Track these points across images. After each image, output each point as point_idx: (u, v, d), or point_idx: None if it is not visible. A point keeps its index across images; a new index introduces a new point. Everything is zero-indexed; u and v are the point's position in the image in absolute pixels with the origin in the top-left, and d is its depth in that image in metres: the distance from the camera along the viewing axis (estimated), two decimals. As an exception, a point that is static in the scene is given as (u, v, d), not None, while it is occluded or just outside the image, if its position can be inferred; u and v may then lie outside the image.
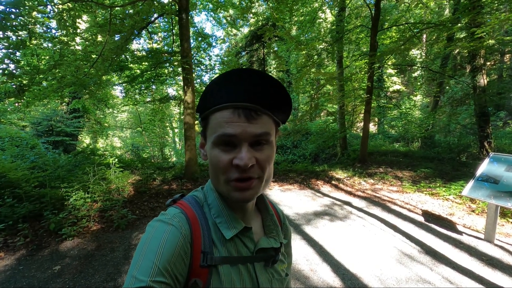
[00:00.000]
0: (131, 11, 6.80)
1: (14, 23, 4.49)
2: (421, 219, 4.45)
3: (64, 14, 5.53)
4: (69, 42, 6.20)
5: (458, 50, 11.27)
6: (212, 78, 0.61)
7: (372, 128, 16.48)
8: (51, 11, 5.46)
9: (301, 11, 10.92)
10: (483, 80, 8.12)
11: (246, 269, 0.60)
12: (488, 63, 12.82)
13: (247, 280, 0.59)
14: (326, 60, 12.75)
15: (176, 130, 23.14)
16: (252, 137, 0.54)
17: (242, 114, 0.54)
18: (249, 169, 0.54)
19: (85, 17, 7.43)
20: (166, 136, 20.96)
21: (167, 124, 20.46)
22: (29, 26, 4.96)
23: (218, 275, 0.55)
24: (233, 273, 0.57)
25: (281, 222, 0.79)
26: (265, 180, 0.59)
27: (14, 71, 5.21)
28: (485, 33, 6.32)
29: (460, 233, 3.87)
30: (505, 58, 14.14)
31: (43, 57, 6.96)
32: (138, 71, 8.87)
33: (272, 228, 0.71)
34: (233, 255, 0.59)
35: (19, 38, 4.93)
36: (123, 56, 7.73)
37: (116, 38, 6.99)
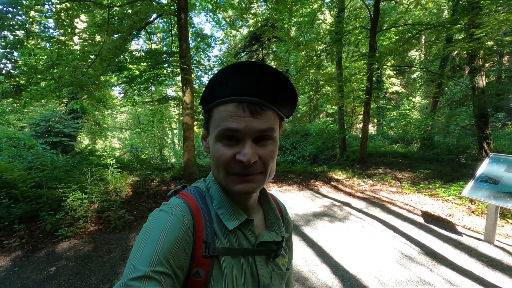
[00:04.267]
0: (129, 11, 6.79)
1: (11, 23, 4.47)
2: (420, 220, 4.42)
3: (62, 14, 5.50)
4: (67, 42, 6.17)
5: (457, 51, 11.28)
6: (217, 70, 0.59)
7: (371, 129, 16.48)
8: (49, 11, 5.44)
9: (300, 12, 10.91)
10: (482, 82, 8.13)
11: (247, 262, 0.60)
12: (487, 65, 12.84)
13: (247, 273, 0.59)
14: (325, 61, 12.76)
15: (175, 131, 23.08)
16: (256, 133, 0.54)
17: (246, 109, 0.53)
18: (251, 165, 0.54)
19: (83, 17, 7.41)
20: (165, 137, 20.91)
21: (166, 125, 20.42)
22: (27, 26, 4.93)
23: (220, 266, 0.55)
24: (234, 264, 0.57)
25: (283, 216, 0.79)
26: (268, 175, 0.59)
27: (11, 71, 5.18)
28: (484, 34, 6.32)
29: (460, 234, 3.85)
30: (503, 59, 14.18)
31: (40, 57, 6.92)
32: (136, 71, 8.85)
33: (273, 221, 0.71)
34: (234, 247, 0.59)
35: (16, 37, 4.90)
36: (121, 56, 7.71)
37: (115, 38, 6.97)
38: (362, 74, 9.93)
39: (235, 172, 0.55)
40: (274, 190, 6.74)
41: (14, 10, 4.31)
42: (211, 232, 0.57)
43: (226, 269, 0.55)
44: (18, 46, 4.72)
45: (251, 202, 0.67)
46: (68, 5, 5.48)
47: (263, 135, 0.55)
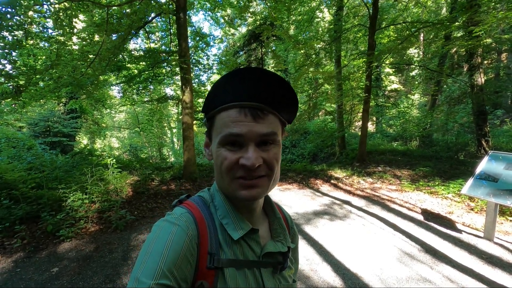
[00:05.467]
0: (128, 10, 6.76)
1: (10, 23, 4.44)
2: (420, 217, 4.45)
3: (61, 14, 5.48)
4: (66, 42, 6.14)
5: (455, 49, 11.31)
6: (217, 79, 0.59)
7: (370, 127, 16.50)
8: (48, 11, 5.41)
9: (299, 10, 10.90)
10: (480, 79, 8.16)
11: (252, 274, 0.58)
12: (486, 62, 12.88)
13: (253, 285, 0.58)
14: (324, 59, 12.73)
15: (174, 130, 23.05)
16: (258, 137, 0.54)
17: (248, 114, 0.53)
18: (256, 169, 0.53)
19: (81, 17, 7.37)
20: (164, 136, 20.88)
21: (165, 124, 20.39)
22: (25, 26, 4.91)
23: (224, 278, 0.54)
24: (239, 277, 0.56)
25: (289, 227, 0.78)
26: (274, 180, 0.58)
27: (10, 72, 5.16)
28: (482, 32, 6.33)
29: (460, 231, 3.88)
30: (502, 56, 14.21)
31: (39, 57, 6.89)
32: (135, 71, 8.82)
33: (279, 232, 0.70)
34: (239, 258, 0.58)
35: (15, 38, 4.88)
36: (120, 56, 7.68)
37: (113, 38, 6.94)
38: (361, 72, 9.93)
39: (239, 176, 0.55)
40: (274, 189, 6.73)
41: (13, 10, 4.28)
42: (216, 243, 0.56)
43: (230, 281, 0.54)
44: (17, 46, 4.70)
45: (256, 211, 0.66)
46: (67, 4, 5.45)
47: (266, 139, 0.55)
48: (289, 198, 5.90)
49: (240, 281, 0.55)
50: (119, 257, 3.35)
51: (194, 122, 8.47)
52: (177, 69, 7.91)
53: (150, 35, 10.36)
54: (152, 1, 6.61)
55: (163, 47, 10.88)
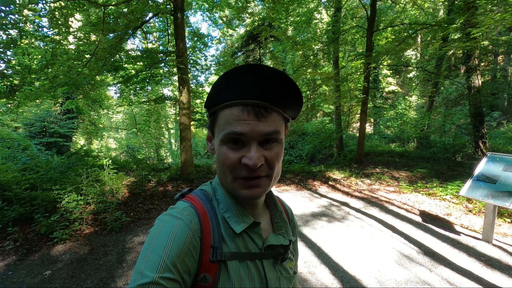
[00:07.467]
0: (125, 10, 6.71)
1: (4, 21, 4.38)
2: (418, 219, 4.43)
3: (56, 13, 5.41)
4: (62, 41, 6.07)
5: (452, 50, 11.34)
6: (220, 75, 0.58)
7: (368, 128, 16.53)
8: (43, 9, 5.35)
9: (297, 11, 10.91)
10: (477, 81, 8.18)
11: (254, 266, 0.59)
12: (482, 64, 12.94)
13: (256, 277, 0.59)
14: (322, 60, 12.74)
15: (172, 131, 22.98)
16: (261, 136, 0.53)
17: (251, 112, 0.53)
18: (258, 168, 0.53)
19: (77, 16, 7.32)
20: (162, 137, 20.77)
21: (163, 125, 20.29)
22: (20, 25, 4.84)
23: (227, 270, 0.55)
24: (241, 269, 0.57)
25: (289, 219, 0.79)
26: (274, 178, 0.59)
27: (5, 71, 5.09)
28: (480, 34, 6.35)
29: (458, 233, 3.86)
30: (498, 59, 14.30)
31: (35, 56, 6.81)
32: (133, 71, 8.76)
33: (281, 225, 0.70)
34: (241, 251, 0.59)
35: (9, 37, 4.82)
36: (117, 56, 7.62)
37: (110, 38, 6.89)
38: (359, 73, 9.92)
39: (242, 177, 0.55)
40: (272, 190, 6.70)
41: (7, 8, 4.23)
42: (219, 236, 0.57)
43: (233, 273, 0.55)
44: (12, 45, 4.64)
45: (258, 205, 0.67)
46: (63, 3, 5.40)
47: (268, 138, 0.54)
48: (287, 199, 5.87)
49: (242, 273, 0.56)
50: (113, 260, 3.29)
51: (192, 123, 8.42)
52: (175, 69, 7.86)
53: (148, 35, 10.31)
54: (150, 1, 6.58)
55: (161, 47, 10.82)
